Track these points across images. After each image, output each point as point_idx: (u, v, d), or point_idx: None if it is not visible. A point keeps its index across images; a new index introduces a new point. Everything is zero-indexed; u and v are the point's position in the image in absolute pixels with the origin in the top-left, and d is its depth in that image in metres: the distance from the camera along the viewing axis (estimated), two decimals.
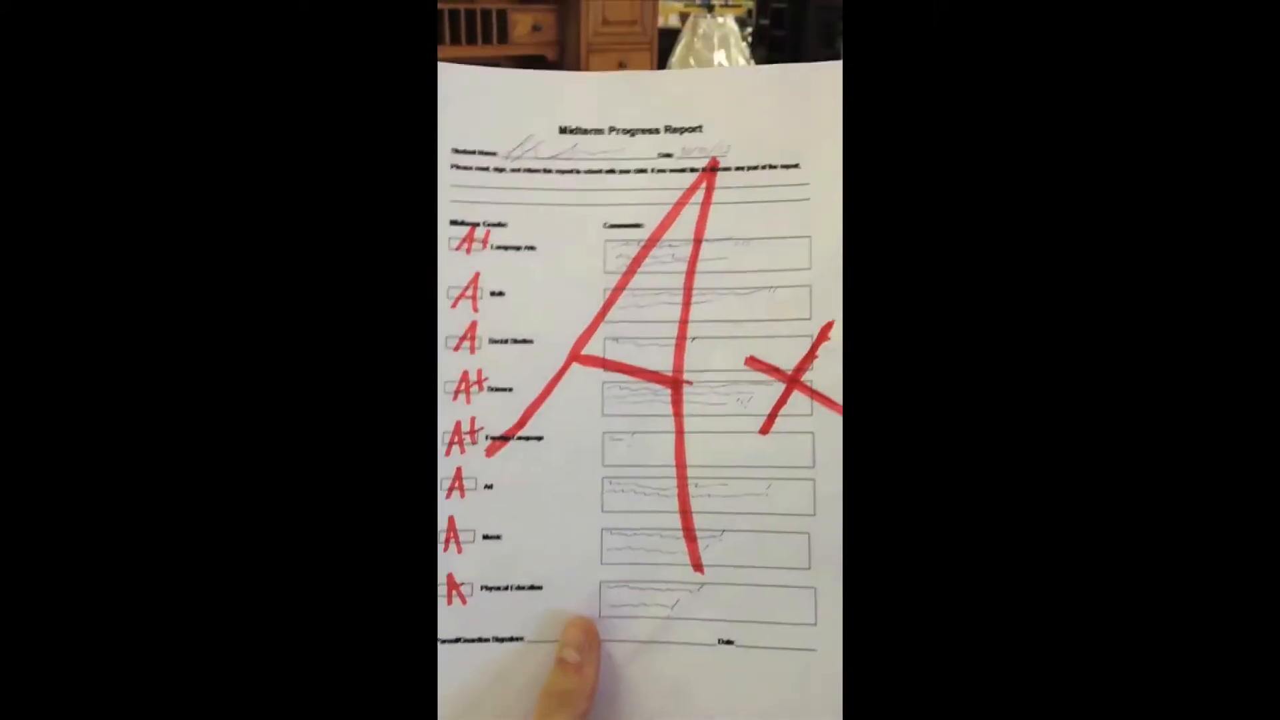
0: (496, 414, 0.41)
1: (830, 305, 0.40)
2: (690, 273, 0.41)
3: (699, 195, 0.42)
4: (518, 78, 0.44)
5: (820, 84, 0.41)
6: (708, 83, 0.45)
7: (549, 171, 0.43)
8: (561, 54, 2.61)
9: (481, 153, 0.42)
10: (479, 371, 0.41)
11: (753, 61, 2.94)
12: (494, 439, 0.40)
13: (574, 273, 0.42)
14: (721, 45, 2.78)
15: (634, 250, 0.42)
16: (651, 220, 0.42)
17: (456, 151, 0.43)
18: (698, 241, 0.41)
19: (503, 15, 2.45)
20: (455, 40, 2.37)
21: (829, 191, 0.41)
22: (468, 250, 0.42)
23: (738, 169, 0.42)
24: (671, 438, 0.40)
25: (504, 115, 0.43)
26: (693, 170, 0.42)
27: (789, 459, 0.39)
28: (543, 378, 0.41)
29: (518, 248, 0.41)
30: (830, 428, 0.39)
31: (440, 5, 2.33)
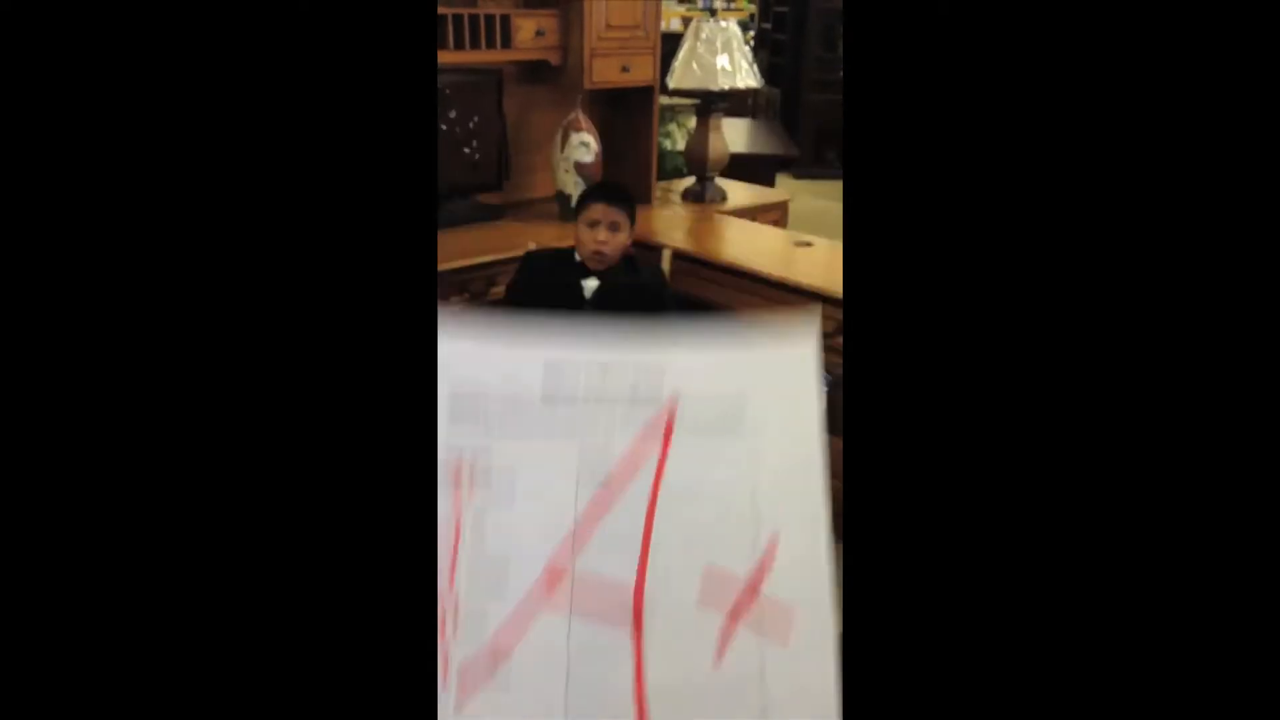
0: (470, 662, 0.43)
1: (777, 516, 0.43)
2: (650, 513, 0.44)
3: (660, 431, 0.46)
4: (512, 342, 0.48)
5: (786, 365, 0.46)
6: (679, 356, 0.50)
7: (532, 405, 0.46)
8: (565, 58, 2.63)
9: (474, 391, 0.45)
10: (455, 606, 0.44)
11: (754, 66, 2.96)
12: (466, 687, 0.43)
13: (548, 501, 0.46)
14: (724, 49, 2.80)
15: (600, 481, 0.46)
16: (618, 450, 0.46)
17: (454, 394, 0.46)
18: (658, 477, 0.45)
19: (506, 20, 2.47)
20: (459, 45, 2.39)
21: (779, 431, 0.44)
22: (456, 484, 0.46)
23: (694, 405, 0.46)
24: (631, 674, 0.42)
25: (496, 357, 0.48)
26: (655, 405, 0.48)
27: (740, 693, 0.41)
28: (513, 612, 0.44)
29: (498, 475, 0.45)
30: (779, 660, 0.41)
31: (442, 10, 2.35)
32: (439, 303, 2.27)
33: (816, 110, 5.98)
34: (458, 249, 2.38)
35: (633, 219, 1.98)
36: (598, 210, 1.94)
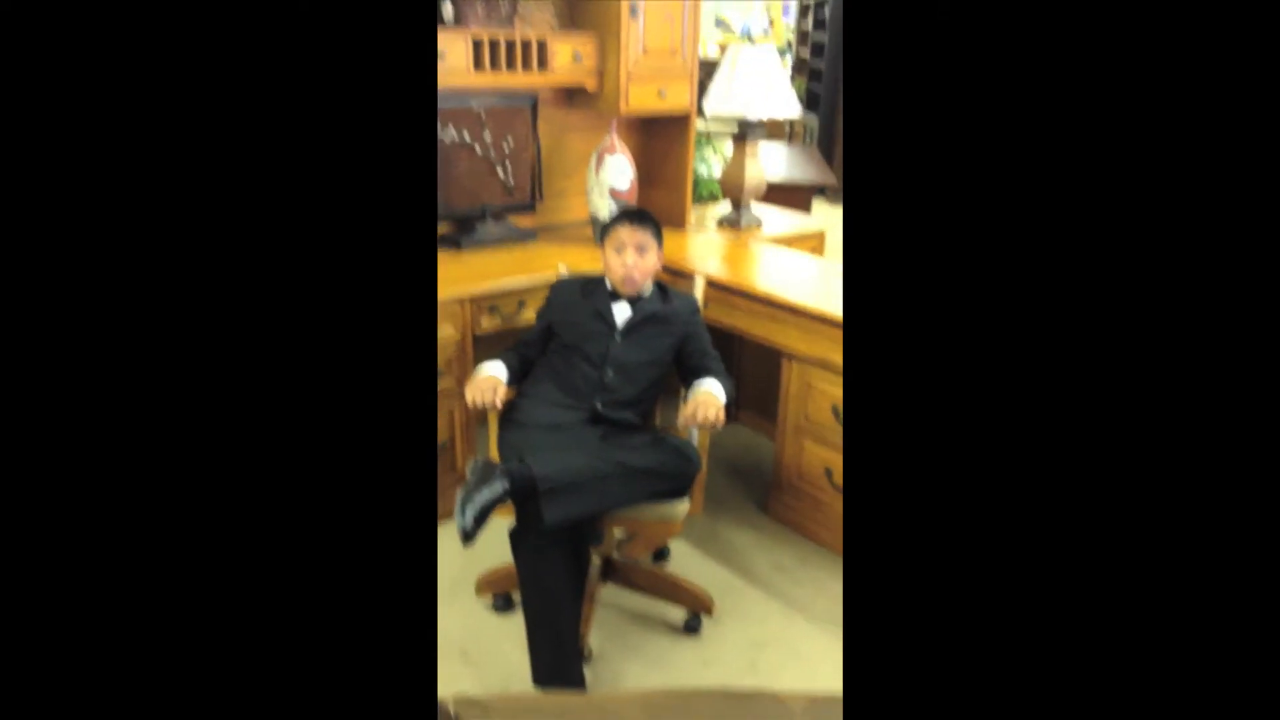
0: None
1: None
2: None
3: None
4: None
5: None
6: None
7: None
8: (601, 83, 2.61)
9: None
10: None
11: (792, 92, 2.93)
12: None
13: None
14: (762, 76, 2.77)
15: None
16: None
17: None
18: None
19: (542, 44, 2.46)
20: (495, 67, 2.38)
21: None
22: None
23: None
24: None
25: None
26: None
27: None
28: None
29: None
30: None
31: (478, 32, 2.34)
32: (470, 328, 2.25)
33: None
34: (488, 270, 2.37)
35: (659, 241, 1.95)
36: (624, 233, 1.91)
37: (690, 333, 1.96)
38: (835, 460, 2.20)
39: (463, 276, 2.32)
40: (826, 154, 5.74)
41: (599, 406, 1.85)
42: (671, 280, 2.21)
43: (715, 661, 1.89)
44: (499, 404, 1.79)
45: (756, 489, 2.57)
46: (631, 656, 1.90)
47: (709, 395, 1.78)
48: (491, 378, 1.81)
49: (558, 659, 1.70)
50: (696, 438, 1.87)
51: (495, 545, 2.18)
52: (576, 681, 1.71)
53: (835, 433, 2.17)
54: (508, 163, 2.65)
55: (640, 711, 0.74)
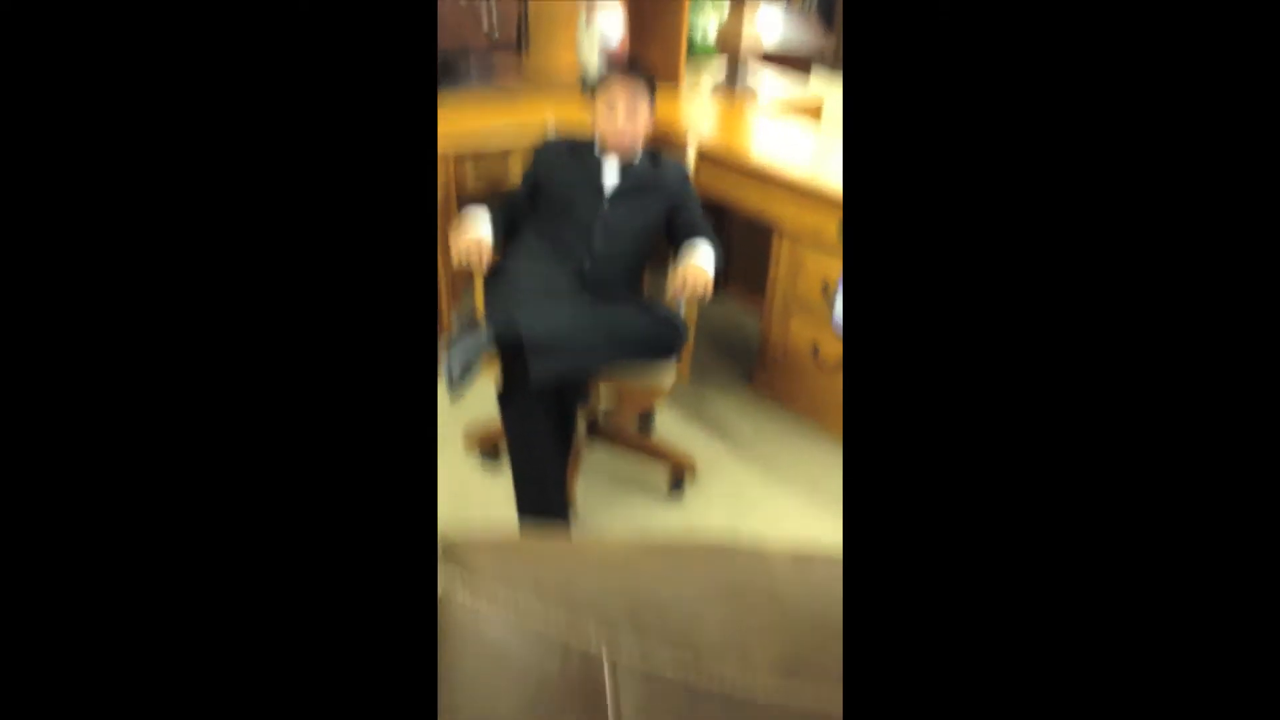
0: None
1: None
2: None
3: None
4: None
5: None
6: None
7: None
8: None
9: None
10: None
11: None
12: None
13: None
14: None
15: None
16: None
17: None
18: None
19: None
20: None
21: None
22: None
23: None
24: None
25: None
26: None
27: None
28: None
29: None
30: None
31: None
32: (454, 186, 2.18)
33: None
34: (471, 121, 2.27)
35: (653, 101, 1.87)
36: (617, 89, 1.83)
37: (680, 202, 1.91)
38: (822, 337, 2.20)
39: (444, 127, 2.22)
40: (827, 20, 5.48)
41: (587, 272, 1.82)
42: (662, 145, 2.14)
43: (697, 524, 1.95)
44: (485, 266, 1.76)
45: (742, 362, 2.58)
46: (615, 517, 1.95)
47: (697, 267, 1.75)
48: (477, 238, 1.77)
49: (543, 498, 1.74)
50: (684, 308, 1.86)
51: (483, 400, 2.20)
52: (560, 514, 1.76)
53: (823, 309, 2.16)
54: (493, 13, 2.50)
55: (627, 553, 0.74)
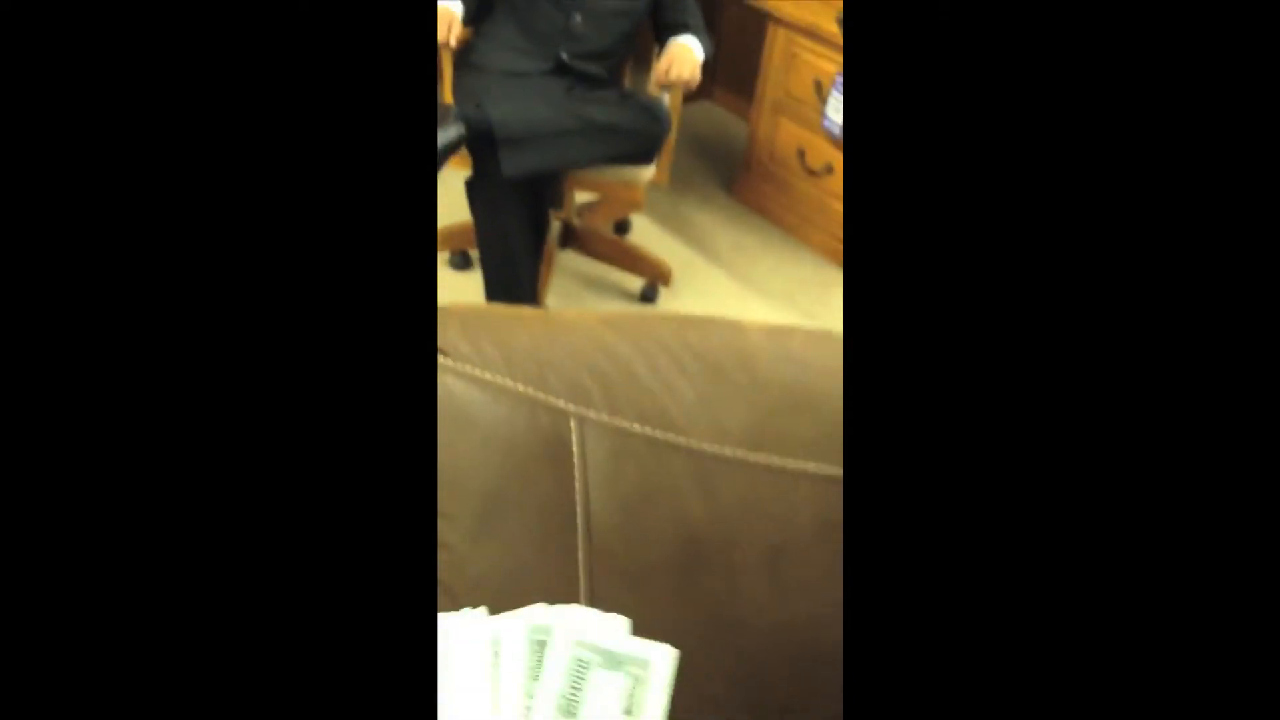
0: None
1: None
2: None
3: None
4: None
5: None
6: None
7: None
8: None
9: None
10: None
11: None
12: None
13: None
14: None
15: None
16: None
17: None
18: None
19: None
20: None
21: None
22: None
23: None
24: None
25: None
26: None
27: None
28: None
29: None
30: None
31: None
32: None
33: None
34: None
35: None
36: None
37: None
38: (810, 141, 2.10)
39: None
40: None
41: (564, 56, 1.69)
42: None
43: None
44: (453, 42, 1.62)
45: (724, 170, 2.48)
46: None
47: (684, 49, 1.63)
48: (446, 9, 1.62)
49: (513, 295, 1.71)
50: (667, 99, 1.74)
51: (453, 201, 2.11)
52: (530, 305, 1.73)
53: (814, 111, 2.05)
54: None
55: (598, 324, 0.70)
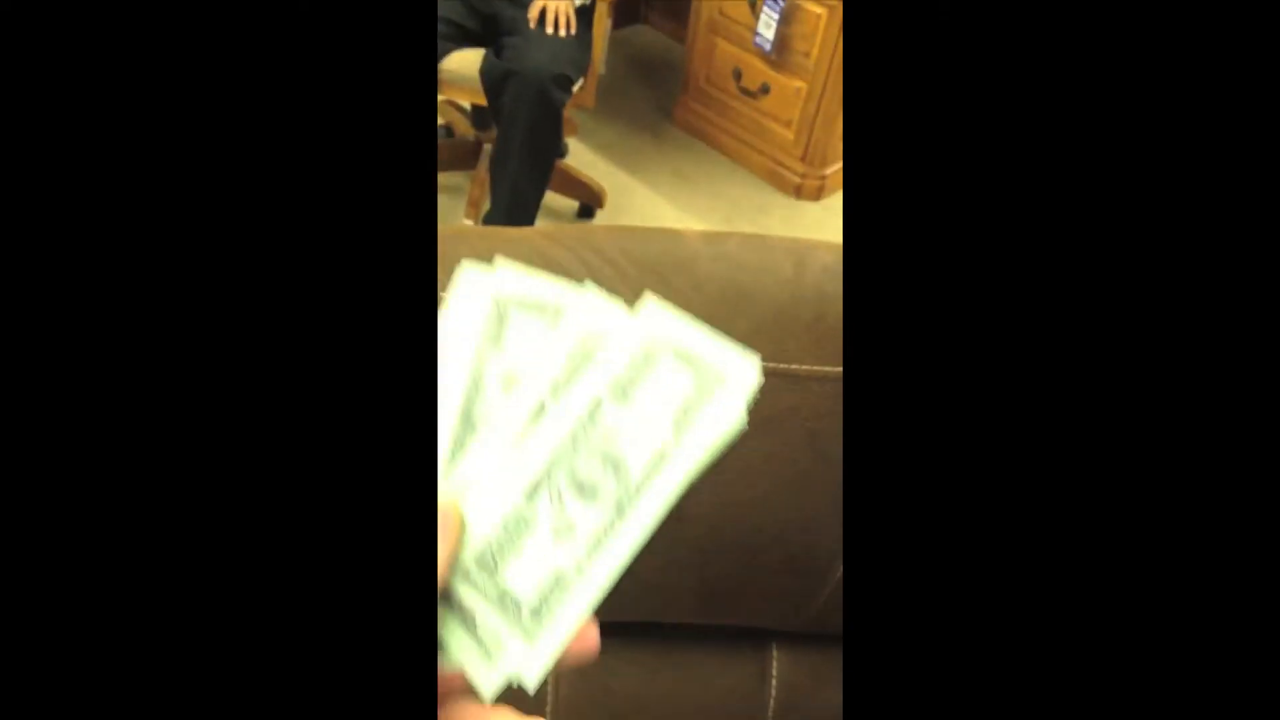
0: None
1: None
2: None
3: None
4: None
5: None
6: None
7: None
8: None
9: None
10: None
11: None
12: None
13: None
14: None
15: None
16: None
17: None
18: None
19: None
20: None
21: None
22: None
23: None
24: None
25: None
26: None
27: None
28: None
29: None
30: None
31: None
32: None
33: None
34: None
35: None
36: None
37: None
38: (746, 60, 2.08)
39: None
40: None
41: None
42: None
43: None
44: None
45: (662, 96, 2.45)
46: None
47: None
48: None
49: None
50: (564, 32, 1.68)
51: None
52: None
53: (748, 31, 2.03)
54: None
55: (539, 236, 0.71)
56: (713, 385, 0.31)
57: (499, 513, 0.31)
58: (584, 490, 0.31)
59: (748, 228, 2.07)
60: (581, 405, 0.31)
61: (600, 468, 0.31)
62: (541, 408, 0.32)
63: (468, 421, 0.32)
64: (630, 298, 0.32)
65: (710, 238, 0.69)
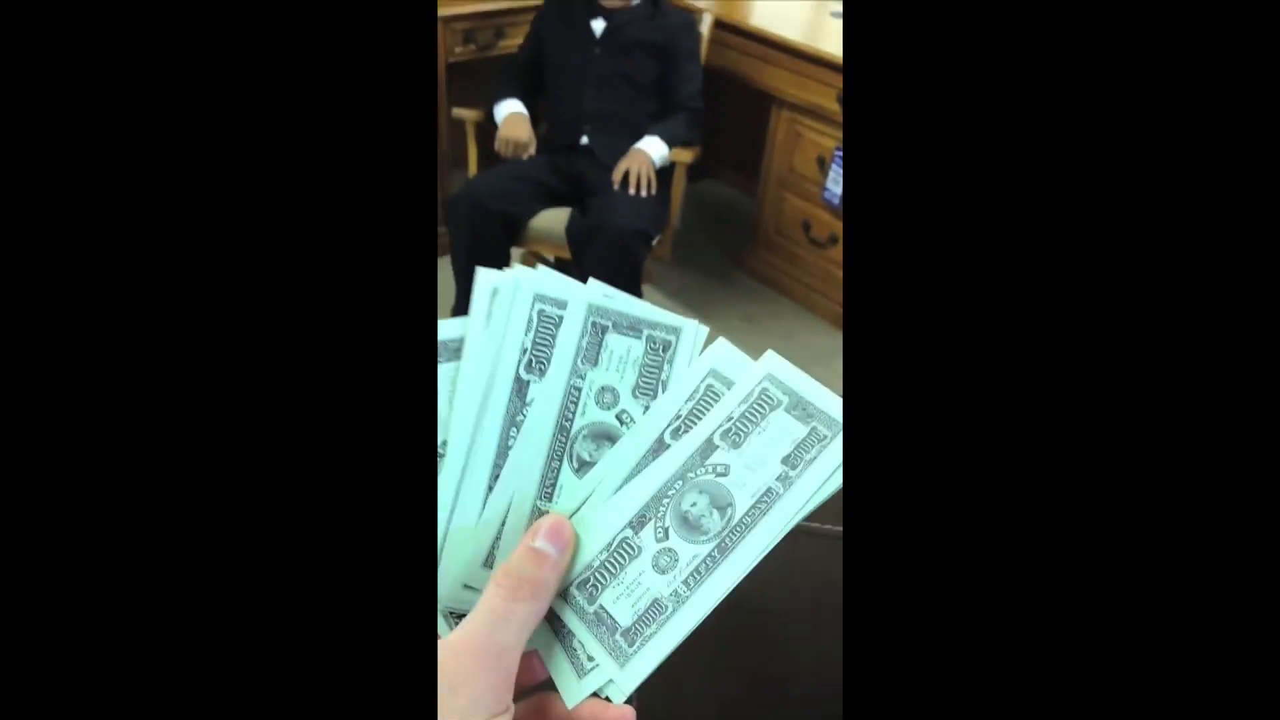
0: None
1: None
2: None
3: None
4: None
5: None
6: None
7: None
8: None
9: None
10: None
11: None
12: None
13: None
14: None
15: None
16: None
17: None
18: None
19: None
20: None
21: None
22: None
23: None
24: None
25: None
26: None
27: None
28: None
29: None
30: None
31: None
32: (444, 54, 2.09)
33: None
34: None
35: None
36: None
37: (674, 54, 1.81)
38: (814, 214, 2.17)
39: None
40: None
41: (584, 138, 1.78)
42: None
43: None
44: (532, 150, 1.73)
45: (732, 245, 2.56)
46: None
47: (638, 153, 1.72)
48: (521, 140, 1.73)
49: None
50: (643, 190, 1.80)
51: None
52: None
53: (817, 186, 2.13)
54: None
55: None
56: (824, 433, 0.32)
57: (604, 539, 0.32)
58: (688, 524, 0.32)
59: (819, 372, 2.09)
60: (696, 443, 0.33)
61: (707, 505, 0.32)
62: (661, 442, 0.33)
63: (563, 433, 0.33)
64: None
65: None
